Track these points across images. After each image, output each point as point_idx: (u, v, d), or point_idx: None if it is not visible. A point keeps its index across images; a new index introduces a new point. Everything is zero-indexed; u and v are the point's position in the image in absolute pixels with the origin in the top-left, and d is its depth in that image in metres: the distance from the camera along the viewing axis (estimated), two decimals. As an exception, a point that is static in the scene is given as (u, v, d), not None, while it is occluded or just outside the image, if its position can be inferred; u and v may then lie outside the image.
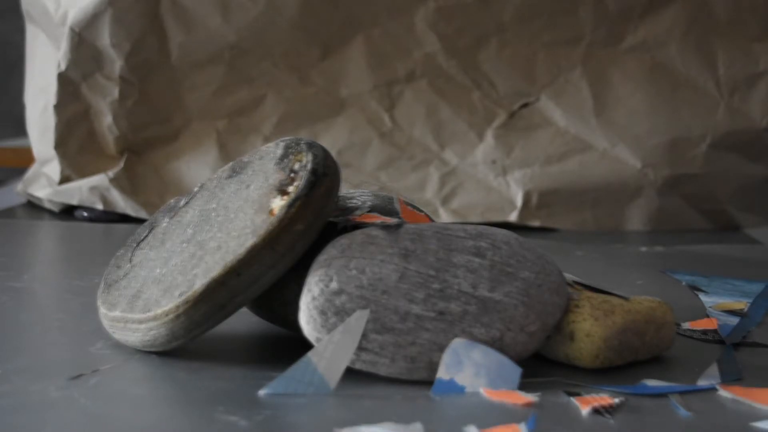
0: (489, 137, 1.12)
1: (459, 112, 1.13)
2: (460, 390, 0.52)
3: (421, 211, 0.63)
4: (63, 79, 1.09)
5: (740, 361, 0.59)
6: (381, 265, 0.54)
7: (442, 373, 0.52)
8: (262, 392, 0.51)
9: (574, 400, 0.51)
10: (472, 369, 0.52)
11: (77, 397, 0.50)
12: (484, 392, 0.52)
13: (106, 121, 1.11)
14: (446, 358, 0.52)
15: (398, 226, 0.56)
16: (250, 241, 0.54)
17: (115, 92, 1.10)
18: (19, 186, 1.21)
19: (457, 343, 0.53)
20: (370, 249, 0.54)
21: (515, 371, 0.53)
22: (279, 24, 1.10)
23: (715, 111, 1.11)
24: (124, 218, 1.09)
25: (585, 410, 0.50)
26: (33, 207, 1.16)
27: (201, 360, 0.57)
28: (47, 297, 0.74)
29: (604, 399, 0.51)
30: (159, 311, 0.55)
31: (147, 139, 1.12)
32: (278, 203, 0.55)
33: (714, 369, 0.57)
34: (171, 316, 0.55)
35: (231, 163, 0.63)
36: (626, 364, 0.57)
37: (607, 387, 0.53)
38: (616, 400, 0.51)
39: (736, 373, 0.56)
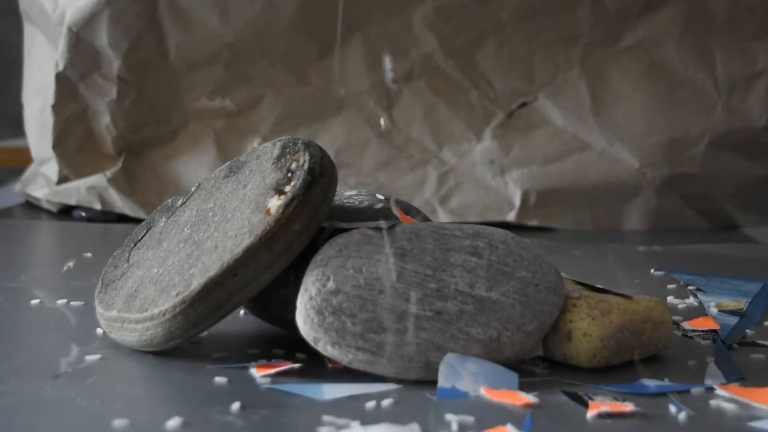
0: (487, 137, 1.12)
1: (457, 112, 1.13)
2: (463, 395, 0.52)
3: (418, 213, 0.63)
4: (61, 79, 1.09)
5: (738, 360, 0.59)
6: (378, 264, 0.54)
7: (443, 382, 0.52)
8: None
9: (584, 404, 0.50)
10: (470, 377, 0.52)
11: (73, 396, 0.50)
12: (484, 392, 0.52)
13: (104, 121, 1.11)
14: (443, 370, 0.52)
15: (391, 227, 0.56)
16: (246, 241, 0.54)
17: (113, 92, 1.10)
18: (17, 186, 1.21)
19: (450, 357, 0.52)
20: (367, 249, 0.54)
21: (512, 377, 0.53)
22: (277, 24, 1.10)
23: (713, 110, 1.11)
24: (122, 218, 1.09)
25: (590, 414, 0.49)
26: (31, 207, 1.16)
27: (197, 360, 0.57)
28: (44, 297, 0.73)
29: (617, 405, 0.50)
30: (156, 311, 0.55)
31: (145, 138, 1.12)
32: (275, 203, 0.55)
33: (712, 368, 0.57)
34: (168, 315, 0.55)
35: (228, 163, 0.63)
36: (623, 363, 0.57)
37: (605, 386, 0.53)
38: (630, 407, 0.50)
39: (737, 372, 0.56)
